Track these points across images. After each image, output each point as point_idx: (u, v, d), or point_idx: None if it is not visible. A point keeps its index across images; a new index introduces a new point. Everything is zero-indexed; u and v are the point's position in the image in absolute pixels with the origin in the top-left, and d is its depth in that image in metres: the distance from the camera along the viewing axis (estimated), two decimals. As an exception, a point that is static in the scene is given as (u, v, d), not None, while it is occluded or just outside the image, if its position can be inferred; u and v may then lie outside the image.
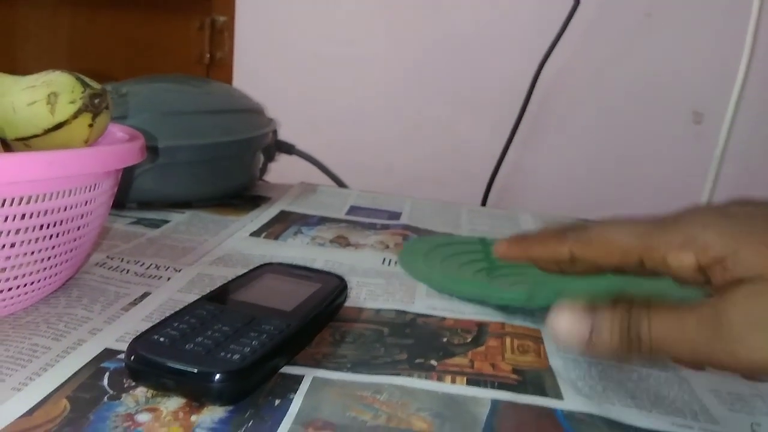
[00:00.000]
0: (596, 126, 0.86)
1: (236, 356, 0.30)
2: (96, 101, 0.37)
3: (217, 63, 1.04)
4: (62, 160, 0.32)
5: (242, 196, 0.71)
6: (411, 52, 0.88)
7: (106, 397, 0.29)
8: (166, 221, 0.59)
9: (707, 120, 0.83)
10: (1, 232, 0.32)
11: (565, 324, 0.27)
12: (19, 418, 0.28)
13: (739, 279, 0.25)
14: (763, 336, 0.23)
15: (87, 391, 0.30)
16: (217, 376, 0.28)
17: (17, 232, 0.33)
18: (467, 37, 0.86)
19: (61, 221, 0.35)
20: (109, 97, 0.38)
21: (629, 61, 0.83)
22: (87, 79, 0.38)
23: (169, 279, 0.45)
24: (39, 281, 0.37)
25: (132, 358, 0.30)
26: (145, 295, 0.42)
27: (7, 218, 0.32)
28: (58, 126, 0.37)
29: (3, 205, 0.32)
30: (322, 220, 0.64)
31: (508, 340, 0.39)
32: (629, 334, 0.26)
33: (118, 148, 0.37)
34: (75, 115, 0.37)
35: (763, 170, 0.81)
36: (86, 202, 0.37)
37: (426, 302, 0.44)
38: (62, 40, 1.07)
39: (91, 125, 0.37)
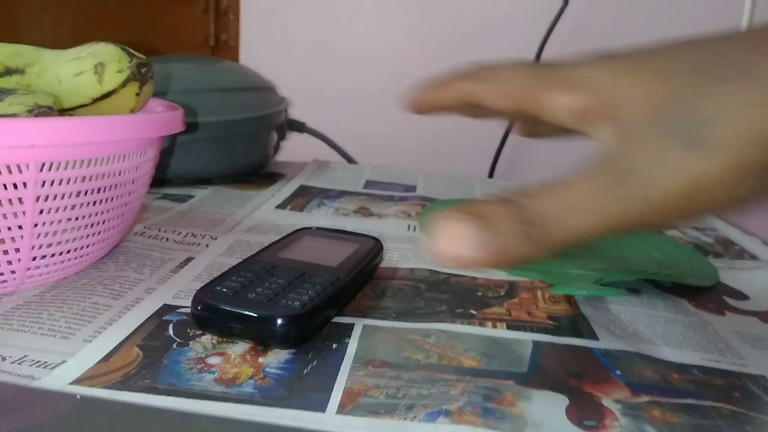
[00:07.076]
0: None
1: (296, 303, 0.31)
2: (143, 70, 0.38)
3: (222, 45, 1.04)
4: (122, 124, 0.34)
5: (258, 173, 0.73)
6: (416, 28, 0.89)
7: (174, 345, 0.31)
8: (191, 196, 0.61)
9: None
10: (64, 195, 0.34)
11: (449, 238, 0.22)
12: (97, 363, 0.29)
13: (621, 119, 0.22)
14: (670, 168, 0.20)
15: (155, 340, 0.32)
16: (281, 320, 0.30)
17: (78, 194, 0.34)
18: (472, 12, 0.88)
19: (115, 185, 0.37)
20: (153, 68, 0.40)
21: (629, 32, 0.85)
22: (131, 50, 0.39)
23: (207, 245, 0.46)
24: (93, 245, 0.38)
25: (198, 307, 0.31)
26: (189, 259, 0.43)
27: (69, 180, 0.34)
28: (107, 95, 0.38)
29: (66, 167, 0.33)
30: (342, 194, 0.65)
31: (539, 293, 0.41)
32: (523, 223, 0.21)
33: (166, 115, 0.38)
34: (123, 84, 0.38)
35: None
36: (136, 168, 0.38)
37: (455, 264, 0.46)
38: (67, 23, 1.08)
39: (138, 94, 0.39)
